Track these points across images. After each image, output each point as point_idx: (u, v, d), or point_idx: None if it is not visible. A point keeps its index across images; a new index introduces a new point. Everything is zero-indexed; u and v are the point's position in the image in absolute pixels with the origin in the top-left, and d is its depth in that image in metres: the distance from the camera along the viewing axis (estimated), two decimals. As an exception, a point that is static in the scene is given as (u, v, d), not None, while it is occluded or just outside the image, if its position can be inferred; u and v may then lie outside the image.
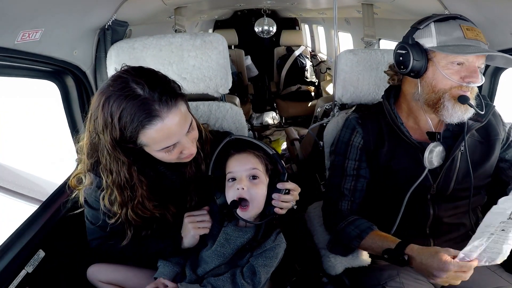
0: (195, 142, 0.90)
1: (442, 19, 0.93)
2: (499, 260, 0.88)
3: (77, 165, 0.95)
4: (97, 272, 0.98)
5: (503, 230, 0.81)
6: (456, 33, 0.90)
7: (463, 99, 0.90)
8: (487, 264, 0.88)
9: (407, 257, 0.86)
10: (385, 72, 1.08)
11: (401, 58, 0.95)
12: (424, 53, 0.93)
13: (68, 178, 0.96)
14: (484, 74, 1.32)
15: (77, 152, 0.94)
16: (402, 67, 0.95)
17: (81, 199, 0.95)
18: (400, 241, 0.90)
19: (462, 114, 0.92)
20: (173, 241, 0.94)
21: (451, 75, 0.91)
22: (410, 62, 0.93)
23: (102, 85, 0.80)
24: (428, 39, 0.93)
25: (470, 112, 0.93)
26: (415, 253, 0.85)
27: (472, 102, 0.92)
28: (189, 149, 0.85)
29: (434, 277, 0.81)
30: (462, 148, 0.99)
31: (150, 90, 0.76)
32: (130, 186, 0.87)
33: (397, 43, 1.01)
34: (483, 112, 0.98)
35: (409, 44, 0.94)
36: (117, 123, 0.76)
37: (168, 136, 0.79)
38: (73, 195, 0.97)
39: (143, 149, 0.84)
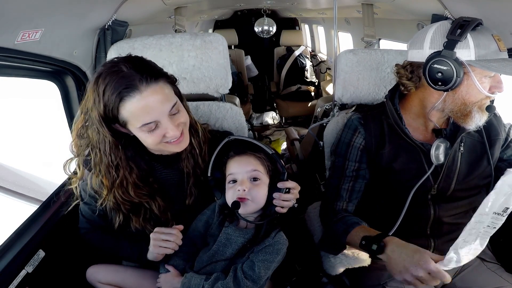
0: (183, 128, 0.90)
1: (474, 27, 0.85)
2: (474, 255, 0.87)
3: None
4: (96, 273, 0.98)
5: (489, 226, 0.80)
6: (492, 45, 0.85)
7: (491, 109, 0.90)
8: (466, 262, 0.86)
9: (383, 244, 0.85)
10: (401, 83, 0.99)
11: (440, 74, 0.86)
12: (461, 66, 0.85)
13: (69, 178, 0.97)
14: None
15: (72, 138, 0.95)
16: (440, 83, 0.87)
17: (76, 193, 1.00)
18: (382, 232, 0.90)
19: (483, 120, 0.92)
20: (139, 252, 0.96)
21: (484, 87, 0.87)
22: (453, 79, 0.85)
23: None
24: (465, 51, 0.85)
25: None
26: (397, 244, 0.85)
27: None
28: (172, 131, 0.85)
29: (405, 274, 0.79)
30: (462, 148, 0.99)
31: (135, 70, 0.81)
32: (115, 166, 0.90)
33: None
34: (499, 115, 1.01)
35: (451, 59, 0.84)
36: (102, 97, 0.81)
37: (147, 111, 0.82)
38: (68, 187, 0.99)
39: (134, 136, 0.87)
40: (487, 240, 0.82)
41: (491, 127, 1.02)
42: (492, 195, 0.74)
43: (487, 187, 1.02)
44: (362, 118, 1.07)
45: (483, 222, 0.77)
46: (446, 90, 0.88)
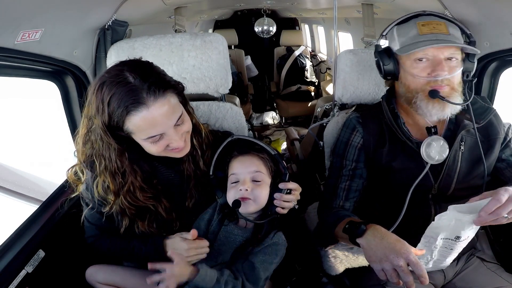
0: (185, 136, 0.89)
1: (403, 21, 1.00)
2: (444, 267, 0.96)
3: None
4: (95, 273, 0.98)
5: (446, 247, 0.88)
6: (412, 31, 0.95)
7: (432, 94, 0.91)
8: (433, 269, 0.95)
9: (365, 228, 0.85)
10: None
11: (376, 65, 1.04)
12: (393, 56, 0.99)
13: (75, 185, 0.96)
14: (484, 74, 1.31)
15: (75, 144, 0.94)
16: (380, 71, 1.03)
17: (82, 200, 0.97)
18: (367, 220, 0.90)
19: (440, 110, 0.93)
20: (154, 248, 0.93)
21: (418, 72, 0.93)
22: (381, 67, 1.01)
23: (100, 73, 0.84)
24: (394, 43, 1.00)
25: (453, 108, 0.93)
26: (378, 231, 0.84)
27: (456, 95, 0.92)
28: (176, 142, 0.85)
29: (385, 262, 0.77)
30: (462, 147, 0.99)
31: (141, 80, 0.79)
32: (121, 172, 0.89)
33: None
34: (459, 105, 0.94)
35: (378, 51, 1.02)
36: (106, 108, 0.78)
37: (153, 125, 0.80)
38: (73, 195, 0.98)
39: (134, 140, 0.85)
40: (452, 256, 0.91)
41: (491, 126, 1.01)
42: (434, 222, 0.81)
43: (487, 187, 1.02)
44: (361, 117, 1.08)
45: (433, 241, 0.85)
46: (385, 78, 1.04)
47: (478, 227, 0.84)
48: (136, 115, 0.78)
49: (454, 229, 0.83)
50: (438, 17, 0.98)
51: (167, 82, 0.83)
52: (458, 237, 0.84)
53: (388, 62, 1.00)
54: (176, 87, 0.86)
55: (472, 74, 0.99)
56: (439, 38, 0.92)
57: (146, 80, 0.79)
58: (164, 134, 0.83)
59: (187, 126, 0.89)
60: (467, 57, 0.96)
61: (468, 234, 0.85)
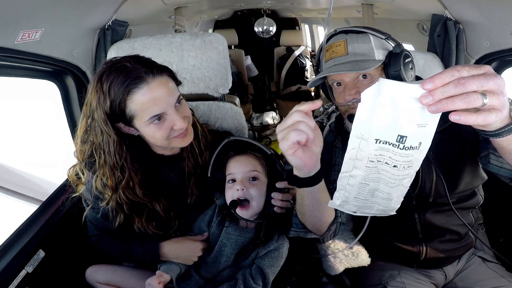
0: (187, 120, 0.90)
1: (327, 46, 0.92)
2: (393, 210, 0.65)
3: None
4: (95, 273, 0.98)
5: (387, 162, 0.55)
6: (323, 59, 0.92)
7: (349, 119, 0.89)
8: (376, 214, 0.67)
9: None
10: None
11: None
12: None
13: (75, 185, 0.97)
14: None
15: (74, 143, 0.94)
16: None
17: (83, 199, 0.98)
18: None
19: None
20: (151, 250, 0.95)
21: (337, 98, 0.91)
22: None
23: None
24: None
25: None
26: None
27: None
28: (179, 122, 0.85)
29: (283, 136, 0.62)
30: (432, 154, 0.92)
31: (139, 64, 0.82)
32: (120, 167, 0.89)
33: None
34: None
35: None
36: (107, 95, 0.80)
37: (154, 102, 0.81)
38: (74, 195, 0.98)
39: (137, 136, 0.86)
40: (398, 190, 0.60)
41: (461, 126, 0.88)
42: (360, 108, 0.50)
43: (476, 187, 0.98)
44: (336, 127, 1.06)
45: (363, 150, 0.54)
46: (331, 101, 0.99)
47: (435, 119, 0.50)
48: (137, 92, 0.80)
49: (393, 121, 0.50)
50: (343, 32, 0.90)
51: (162, 66, 0.87)
52: (401, 138, 0.51)
53: (325, 88, 0.97)
54: (171, 71, 0.89)
55: (413, 77, 0.86)
56: (336, 62, 0.87)
57: (143, 65, 0.82)
58: (166, 114, 0.84)
59: (187, 110, 0.91)
60: (389, 64, 0.84)
61: (420, 135, 0.50)
